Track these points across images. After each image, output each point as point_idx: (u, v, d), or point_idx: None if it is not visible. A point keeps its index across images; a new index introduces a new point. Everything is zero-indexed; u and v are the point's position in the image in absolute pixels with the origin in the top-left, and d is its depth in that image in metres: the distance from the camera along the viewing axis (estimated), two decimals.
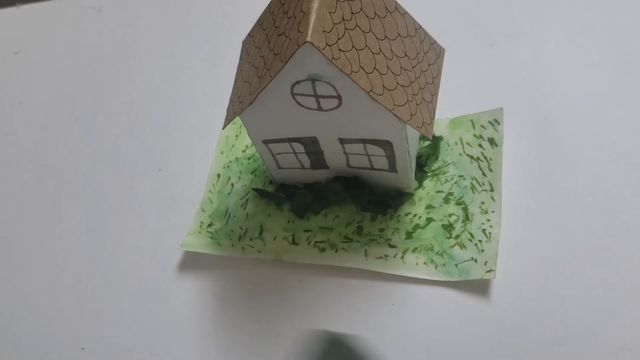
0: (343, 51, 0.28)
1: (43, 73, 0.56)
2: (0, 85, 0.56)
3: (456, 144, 0.41)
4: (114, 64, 0.55)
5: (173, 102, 0.51)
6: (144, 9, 0.59)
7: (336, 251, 0.38)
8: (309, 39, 0.26)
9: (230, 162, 0.45)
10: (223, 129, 0.36)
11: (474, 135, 0.41)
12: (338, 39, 0.28)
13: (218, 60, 0.53)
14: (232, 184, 0.44)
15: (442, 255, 0.37)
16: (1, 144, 0.52)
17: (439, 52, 0.35)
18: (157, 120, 0.50)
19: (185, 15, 0.57)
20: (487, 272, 0.35)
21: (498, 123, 0.41)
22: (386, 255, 0.37)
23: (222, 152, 0.46)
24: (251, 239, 0.40)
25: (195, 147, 0.47)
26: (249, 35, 0.35)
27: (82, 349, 0.38)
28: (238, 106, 0.33)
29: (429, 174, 0.40)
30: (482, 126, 0.41)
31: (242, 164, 0.45)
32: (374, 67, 0.29)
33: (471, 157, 0.40)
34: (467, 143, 0.41)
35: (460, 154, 0.41)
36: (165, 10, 0.58)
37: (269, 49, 0.31)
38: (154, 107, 0.51)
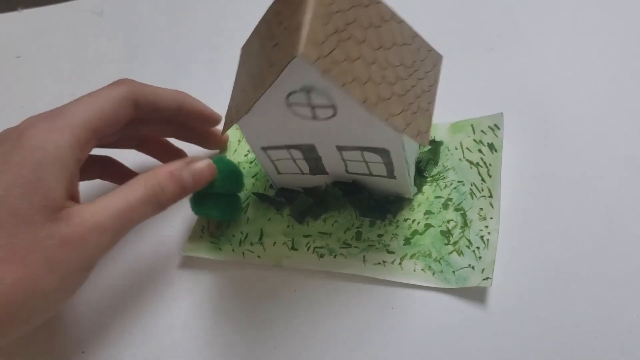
0: (336, 63, 0.28)
1: (44, 77, 0.57)
2: (2, 89, 0.57)
3: (456, 148, 0.41)
4: (115, 68, 0.55)
5: None
6: (144, 13, 0.59)
7: (335, 257, 0.38)
8: (300, 52, 0.26)
9: None
10: (222, 135, 0.36)
11: (474, 140, 0.41)
12: (331, 50, 0.28)
13: (219, 63, 0.53)
14: None
15: (439, 262, 0.37)
16: None
17: (436, 60, 0.35)
18: None
19: (185, 19, 0.57)
20: (483, 279, 0.35)
21: (498, 128, 0.40)
22: (384, 262, 0.37)
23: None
24: (251, 244, 0.40)
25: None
26: (247, 42, 0.35)
27: (83, 352, 0.38)
28: (235, 115, 0.33)
29: (428, 179, 0.40)
30: (482, 131, 0.41)
31: (244, 168, 0.45)
32: (369, 77, 0.29)
33: (471, 162, 0.40)
34: (467, 148, 0.41)
35: (460, 159, 0.41)
36: (166, 14, 0.58)
37: (264, 58, 0.31)
38: None
